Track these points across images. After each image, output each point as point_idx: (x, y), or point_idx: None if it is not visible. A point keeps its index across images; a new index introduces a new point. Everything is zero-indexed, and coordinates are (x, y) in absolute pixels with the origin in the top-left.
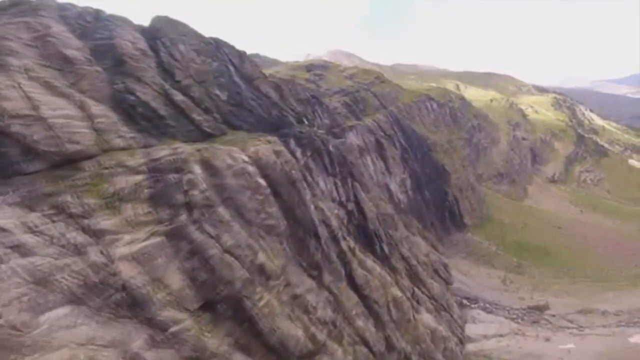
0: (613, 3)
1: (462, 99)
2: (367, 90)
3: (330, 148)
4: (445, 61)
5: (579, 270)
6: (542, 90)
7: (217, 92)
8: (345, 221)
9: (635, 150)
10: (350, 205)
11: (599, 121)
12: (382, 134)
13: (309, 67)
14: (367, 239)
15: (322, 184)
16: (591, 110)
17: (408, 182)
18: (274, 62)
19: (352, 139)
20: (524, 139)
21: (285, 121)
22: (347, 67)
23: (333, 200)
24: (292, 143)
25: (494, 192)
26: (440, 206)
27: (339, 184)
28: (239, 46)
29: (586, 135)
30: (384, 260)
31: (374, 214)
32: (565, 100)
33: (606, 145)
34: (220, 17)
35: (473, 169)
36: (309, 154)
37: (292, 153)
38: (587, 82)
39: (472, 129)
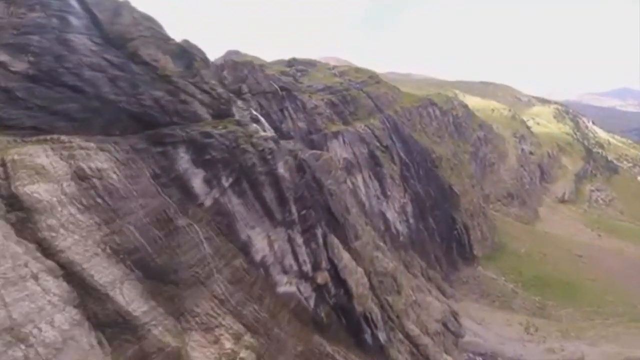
0: (599, 18)
1: (465, 107)
2: (359, 90)
3: (282, 171)
4: (437, 70)
5: (610, 308)
6: (543, 101)
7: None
8: (312, 302)
9: None
10: (322, 276)
11: (603, 134)
12: (377, 144)
13: (292, 62)
14: (352, 326)
15: (258, 243)
16: (594, 123)
17: (409, 208)
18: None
19: (337, 150)
20: (531, 153)
21: (182, 114)
22: (337, 65)
23: (286, 272)
24: (184, 157)
25: (503, 216)
26: (447, 236)
27: (299, 240)
28: (229, 46)
29: (594, 150)
30: (378, 353)
31: (365, 284)
32: (567, 111)
33: (615, 162)
34: (212, 18)
35: (480, 189)
36: (229, 180)
37: (180, 177)
38: (576, 94)
39: (478, 141)
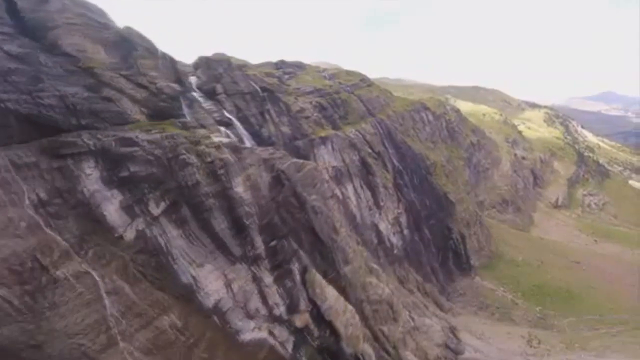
0: (583, 22)
1: (458, 111)
2: (350, 93)
3: (240, 191)
4: (427, 75)
5: (613, 316)
6: (532, 105)
7: None
8: (289, 346)
9: (634, 170)
10: (302, 319)
11: (592, 138)
12: (369, 150)
13: (279, 64)
14: None
15: (210, 284)
16: (583, 127)
17: (403, 219)
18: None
19: (324, 157)
20: (524, 158)
21: (100, 115)
22: (327, 68)
23: (251, 317)
24: (91, 175)
25: (498, 223)
26: (442, 246)
27: (268, 278)
28: (223, 50)
29: (585, 154)
30: None
31: (356, 324)
32: (557, 115)
33: (606, 166)
34: (205, 22)
35: (474, 195)
36: (162, 204)
37: (84, 203)
38: (562, 99)
39: (471, 147)
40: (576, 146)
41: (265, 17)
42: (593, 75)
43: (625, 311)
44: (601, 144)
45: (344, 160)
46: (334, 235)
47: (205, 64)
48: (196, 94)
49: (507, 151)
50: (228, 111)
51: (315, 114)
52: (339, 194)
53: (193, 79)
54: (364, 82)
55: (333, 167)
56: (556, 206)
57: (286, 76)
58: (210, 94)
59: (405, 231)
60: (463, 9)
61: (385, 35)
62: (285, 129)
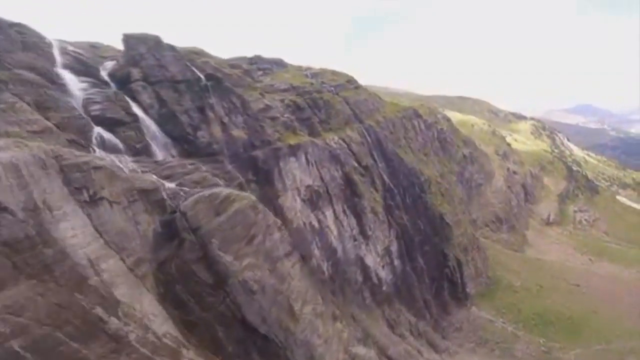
0: (559, 35)
1: (449, 120)
2: (334, 94)
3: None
4: (413, 84)
5: (621, 344)
6: (519, 117)
7: None
8: None
9: (621, 185)
10: None
11: (578, 152)
12: (355, 164)
13: (254, 59)
14: None
15: None
16: (569, 140)
17: (394, 247)
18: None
19: (295, 173)
20: (515, 173)
21: None
22: (311, 67)
23: None
24: None
25: (492, 243)
26: (437, 276)
27: None
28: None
29: (574, 168)
30: None
31: None
32: (544, 127)
33: (594, 181)
34: (197, 25)
35: (468, 214)
36: None
37: None
38: (542, 111)
39: (464, 160)
40: (564, 160)
41: (252, 23)
42: (570, 87)
43: (631, 336)
44: (587, 157)
45: (322, 178)
46: (289, 323)
47: (125, 43)
48: (70, 78)
49: (500, 165)
50: (144, 104)
51: (286, 115)
52: (314, 222)
53: (109, 64)
54: (351, 83)
55: (307, 187)
56: (548, 223)
57: (260, 72)
58: (124, 82)
59: (396, 262)
60: (445, 19)
61: (369, 43)
62: (239, 133)
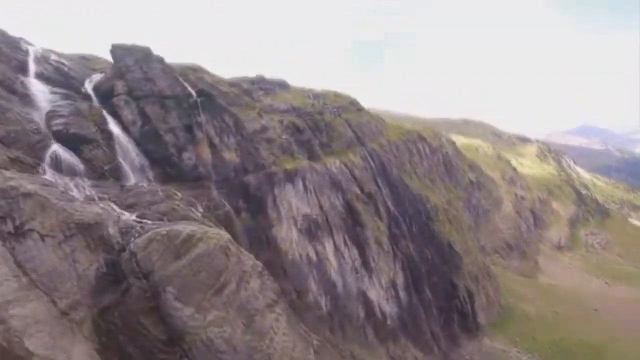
0: (558, 54)
1: (454, 144)
2: (337, 116)
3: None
4: (415, 108)
5: None
6: (523, 139)
7: None
8: None
9: (632, 207)
10: None
11: (586, 175)
12: (357, 191)
13: (257, 80)
14: None
15: None
16: (575, 162)
17: (400, 279)
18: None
19: (292, 201)
20: (523, 198)
21: None
22: (314, 89)
23: None
24: None
25: (503, 270)
26: (446, 307)
27: None
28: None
29: (583, 192)
30: None
31: None
32: (549, 150)
33: (604, 204)
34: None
35: (476, 240)
36: None
37: None
38: (544, 133)
39: (470, 186)
40: (572, 184)
41: (252, 46)
42: (570, 107)
43: None
44: (595, 180)
45: (321, 206)
46: None
47: (112, 54)
48: (39, 89)
49: (507, 190)
50: (124, 121)
51: (284, 137)
52: (312, 254)
53: (97, 76)
54: (354, 105)
55: (304, 215)
56: (559, 248)
57: (261, 92)
58: (107, 96)
59: (402, 294)
60: (445, 43)
61: (369, 66)
62: (230, 155)
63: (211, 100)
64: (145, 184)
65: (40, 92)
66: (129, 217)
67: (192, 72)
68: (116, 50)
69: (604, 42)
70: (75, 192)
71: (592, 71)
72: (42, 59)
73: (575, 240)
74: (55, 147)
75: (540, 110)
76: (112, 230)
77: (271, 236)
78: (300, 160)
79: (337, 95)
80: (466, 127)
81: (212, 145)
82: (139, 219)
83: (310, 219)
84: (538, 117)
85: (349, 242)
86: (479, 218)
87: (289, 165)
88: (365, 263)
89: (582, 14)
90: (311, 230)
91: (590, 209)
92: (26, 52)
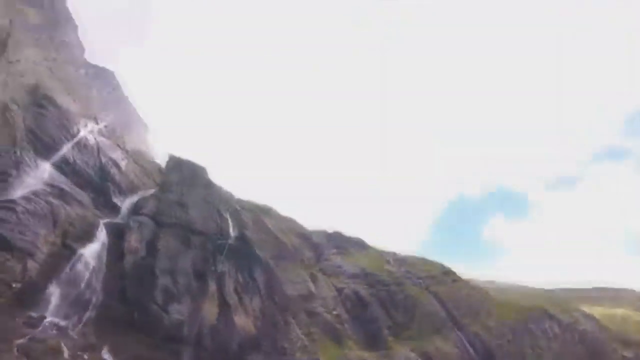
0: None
1: (592, 318)
2: (422, 289)
3: None
4: (521, 276)
5: None
6: None
7: None
8: None
9: None
10: None
11: None
12: None
13: (334, 235)
14: None
15: None
16: None
17: None
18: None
19: None
20: None
21: None
22: (397, 252)
23: None
24: None
25: None
26: None
27: None
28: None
29: None
30: None
31: None
32: None
33: None
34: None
35: None
36: None
37: None
38: None
39: None
40: None
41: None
42: None
43: None
44: None
45: None
46: None
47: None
48: None
49: None
50: (127, 246)
51: (335, 312)
52: None
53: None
54: (448, 275)
55: None
56: None
57: (334, 250)
58: (134, 213)
59: None
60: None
61: (460, 227)
62: (245, 323)
63: (246, 247)
64: (62, 322)
65: None
66: None
67: (249, 213)
68: (169, 162)
69: None
70: None
71: None
72: None
73: None
74: None
75: None
76: None
77: None
78: (350, 350)
79: (426, 262)
80: (604, 294)
81: (224, 304)
82: None
83: None
84: None
85: None
86: None
87: (326, 356)
88: None
89: None
90: None
91: None
92: None
